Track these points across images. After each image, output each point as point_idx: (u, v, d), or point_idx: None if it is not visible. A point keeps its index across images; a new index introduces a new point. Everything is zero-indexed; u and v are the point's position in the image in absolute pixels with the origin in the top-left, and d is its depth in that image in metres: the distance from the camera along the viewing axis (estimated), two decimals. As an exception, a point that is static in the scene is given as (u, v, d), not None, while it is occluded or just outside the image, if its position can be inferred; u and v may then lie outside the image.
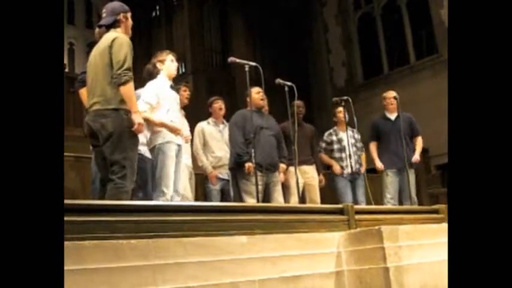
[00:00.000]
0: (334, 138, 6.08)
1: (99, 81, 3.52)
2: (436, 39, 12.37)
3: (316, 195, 5.75)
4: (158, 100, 4.19)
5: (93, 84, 3.58)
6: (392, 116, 6.01)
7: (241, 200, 4.74)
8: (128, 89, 3.43)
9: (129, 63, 3.46)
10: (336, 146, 6.05)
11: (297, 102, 5.42)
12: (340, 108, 6.05)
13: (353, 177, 5.87)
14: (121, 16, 3.69)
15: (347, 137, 5.88)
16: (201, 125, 5.40)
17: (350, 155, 5.76)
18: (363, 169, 6.01)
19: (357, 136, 6.11)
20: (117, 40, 3.50)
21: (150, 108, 4.13)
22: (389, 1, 13.77)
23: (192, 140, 5.29)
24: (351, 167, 5.78)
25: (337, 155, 6.02)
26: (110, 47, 3.49)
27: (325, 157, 6.09)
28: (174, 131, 4.19)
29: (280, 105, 5.74)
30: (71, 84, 4.33)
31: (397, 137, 5.75)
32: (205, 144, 5.30)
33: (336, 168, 5.96)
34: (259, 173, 4.62)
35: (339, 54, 14.30)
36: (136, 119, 3.44)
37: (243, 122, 4.91)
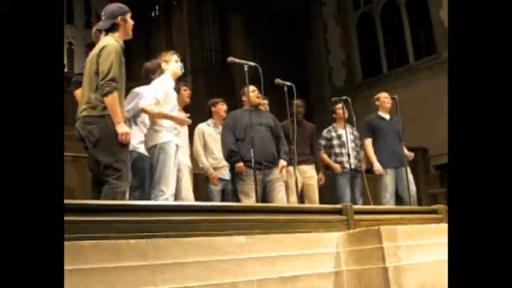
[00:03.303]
0: (333, 134, 6.09)
1: (86, 88, 3.57)
2: (435, 39, 12.38)
3: (315, 195, 5.74)
4: (165, 97, 4.19)
5: (83, 90, 3.63)
6: (387, 116, 6.05)
7: (238, 200, 4.73)
8: (111, 100, 3.43)
9: (113, 73, 3.45)
10: (335, 142, 6.05)
11: (297, 101, 5.42)
12: (340, 105, 6.07)
13: (353, 175, 5.85)
14: (119, 19, 3.68)
15: (347, 134, 5.89)
16: (201, 127, 5.39)
17: (349, 151, 5.76)
18: (363, 166, 6.00)
19: (356, 134, 6.12)
20: (105, 49, 3.51)
21: (156, 103, 4.12)
22: (388, 1, 13.78)
23: (191, 141, 5.29)
24: (351, 163, 5.76)
25: (337, 150, 6.02)
26: (98, 55, 3.51)
27: (325, 157, 6.07)
28: (180, 121, 4.20)
29: (280, 105, 5.75)
30: (70, 84, 4.32)
31: (394, 136, 5.78)
32: (205, 146, 5.30)
33: (336, 167, 5.95)
34: (258, 172, 4.60)
35: (338, 54, 14.31)
36: (120, 129, 3.44)
37: (234, 122, 4.90)
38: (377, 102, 6.17)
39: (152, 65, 4.58)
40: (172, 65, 4.39)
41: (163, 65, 4.41)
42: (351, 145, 5.83)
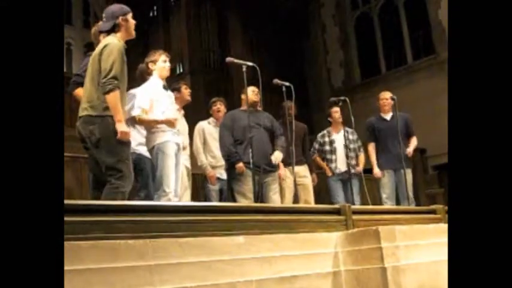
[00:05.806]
0: (326, 139, 6.20)
1: (88, 87, 3.56)
2: (433, 39, 12.38)
3: (309, 195, 5.76)
4: (152, 103, 4.17)
5: (85, 89, 3.62)
6: (388, 116, 6.06)
7: (234, 201, 4.72)
8: (112, 98, 3.42)
9: (115, 71, 3.44)
10: (327, 148, 6.16)
11: (288, 103, 5.40)
12: (336, 108, 6.11)
13: (344, 177, 5.89)
14: (120, 20, 3.67)
15: (341, 138, 5.93)
16: (202, 125, 5.43)
17: (339, 157, 6.00)
18: (359, 168, 6.01)
19: (353, 137, 6.13)
20: (107, 47, 3.50)
21: (143, 111, 4.11)
22: (386, 1, 13.79)
23: (191, 139, 5.29)
24: (339, 169, 5.99)
25: (328, 156, 6.15)
26: (100, 54, 3.51)
27: (318, 160, 6.20)
28: (168, 123, 4.16)
29: (278, 105, 5.76)
30: (68, 84, 4.31)
31: (393, 137, 5.79)
32: (204, 144, 5.31)
33: (327, 170, 6.09)
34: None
35: (336, 55, 14.30)
36: (120, 127, 3.42)
37: (232, 122, 4.89)
38: (378, 102, 6.19)
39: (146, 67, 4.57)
40: (159, 65, 4.35)
41: (150, 65, 4.38)
42: (343, 151, 5.93)
